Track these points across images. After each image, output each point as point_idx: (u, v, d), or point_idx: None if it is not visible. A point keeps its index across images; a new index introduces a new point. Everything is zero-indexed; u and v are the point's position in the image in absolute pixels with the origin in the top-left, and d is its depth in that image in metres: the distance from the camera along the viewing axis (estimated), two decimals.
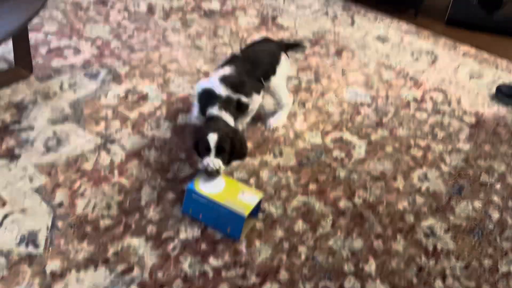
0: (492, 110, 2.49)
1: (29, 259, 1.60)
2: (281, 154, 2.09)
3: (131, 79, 2.42)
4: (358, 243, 1.76)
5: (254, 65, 2.04)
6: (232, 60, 2.07)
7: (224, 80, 1.94)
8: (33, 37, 2.63)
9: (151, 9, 3.03)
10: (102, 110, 2.21)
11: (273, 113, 2.24)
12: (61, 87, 2.32)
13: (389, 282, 1.65)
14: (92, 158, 1.98)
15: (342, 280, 1.64)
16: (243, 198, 1.71)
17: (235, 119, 1.93)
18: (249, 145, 2.09)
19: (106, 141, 2.06)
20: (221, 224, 1.72)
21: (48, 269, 1.57)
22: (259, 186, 1.93)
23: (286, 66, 2.19)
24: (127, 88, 2.35)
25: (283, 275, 1.64)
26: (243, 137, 1.90)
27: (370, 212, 1.88)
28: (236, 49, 2.62)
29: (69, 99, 2.25)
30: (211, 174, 1.76)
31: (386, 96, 2.49)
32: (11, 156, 1.95)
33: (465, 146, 2.24)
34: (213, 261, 1.65)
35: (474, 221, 1.90)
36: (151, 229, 1.73)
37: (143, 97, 2.31)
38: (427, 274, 1.69)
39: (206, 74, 2.47)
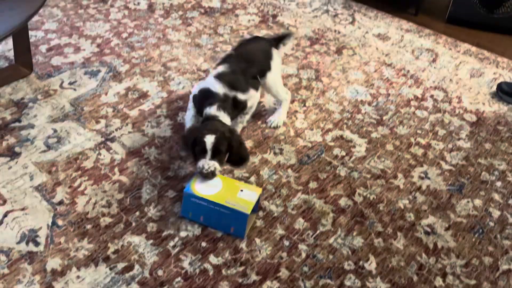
0: (492, 108, 2.49)
1: (30, 257, 1.60)
2: (281, 152, 2.08)
3: (131, 77, 2.42)
4: (358, 241, 1.76)
5: (249, 63, 2.04)
6: (226, 59, 2.08)
7: (220, 77, 1.94)
8: (33, 35, 2.64)
9: (151, 7, 3.03)
10: (103, 108, 2.21)
11: (273, 110, 2.24)
12: (61, 85, 2.32)
13: (389, 280, 1.65)
14: (92, 156, 1.98)
15: (342, 278, 1.64)
16: (242, 196, 1.70)
17: (233, 118, 1.92)
18: (250, 143, 2.09)
19: (106, 139, 2.06)
20: (224, 225, 1.71)
21: (49, 267, 1.58)
22: (259, 184, 1.92)
23: (279, 61, 2.20)
24: (127, 86, 2.35)
25: (283, 273, 1.64)
26: (241, 138, 1.88)
27: (370, 210, 1.88)
28: None
29: (69, 97, 2.25)
30: (207, 176, 1.74)
31: (387, 94, 2.49)
32: (12, 154, 1.95)
33: (466, 144, 2.24)
34: (213, 259, 1.65)
35: (475, 219, 1.90)
36: (151, 227, 1.73)
37: (143, 95, 2.31)
38: (428, 272, 1.69)
39: (206, 72, 2.47)
